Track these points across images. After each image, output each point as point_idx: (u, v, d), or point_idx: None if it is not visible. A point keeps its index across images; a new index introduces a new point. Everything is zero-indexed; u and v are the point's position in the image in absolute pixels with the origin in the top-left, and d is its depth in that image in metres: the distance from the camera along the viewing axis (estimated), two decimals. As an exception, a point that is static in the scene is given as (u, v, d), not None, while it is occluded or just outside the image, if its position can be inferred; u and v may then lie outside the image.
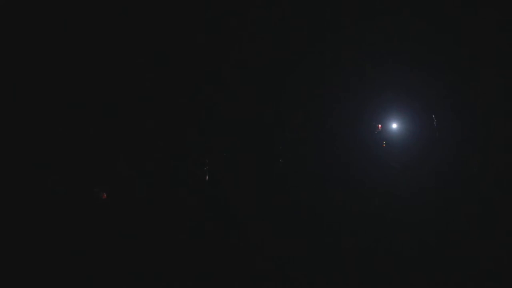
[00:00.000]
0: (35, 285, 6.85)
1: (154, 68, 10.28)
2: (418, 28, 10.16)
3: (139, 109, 10.16)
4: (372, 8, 10.28)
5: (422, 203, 9.19)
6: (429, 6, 10.11)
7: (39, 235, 8.00)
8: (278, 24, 10.30)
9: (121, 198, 9.32)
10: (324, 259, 7.38)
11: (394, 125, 10.11)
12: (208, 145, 10.12)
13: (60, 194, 9.13)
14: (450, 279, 6.81)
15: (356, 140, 10.08)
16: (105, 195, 9.35)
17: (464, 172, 9.44)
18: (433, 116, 9.63)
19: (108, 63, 10.16)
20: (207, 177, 9.88)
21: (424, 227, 8.37)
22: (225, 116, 10.35)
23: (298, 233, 8.27)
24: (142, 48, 10.24)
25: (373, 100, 10.31)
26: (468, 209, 8.76)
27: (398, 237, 8.04)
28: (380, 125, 10.03)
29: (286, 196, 9.53)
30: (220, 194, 9.63)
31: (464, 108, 9.96)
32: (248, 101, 10.39)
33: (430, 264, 7.17)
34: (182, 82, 10.35)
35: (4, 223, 8.28)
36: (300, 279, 6.91)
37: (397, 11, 10.26)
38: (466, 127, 9.80)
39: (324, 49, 10.39)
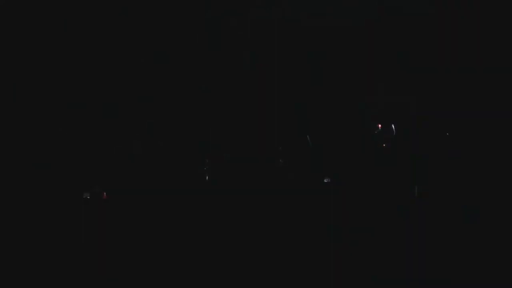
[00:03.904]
0: (34, 285, 6.85)
1: (154, 68, 10.29)
2: (419, 28, 10.16)
3: (139, 109, 10.16)
4: (373, 8, 10.29)
5: (422, 202, 9.20)
6: (429, 6, 10.12)
7: (38, 235, 8.00)
8: (278, 24, 10.30)
9: (121, 198, 9.32)
10: (324, 258, 7.38)
11: (394, 125, 10.11)
12: (208, 145, 10.12)
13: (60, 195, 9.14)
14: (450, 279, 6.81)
15: (356, 139, 10.08)
16: (105, 195, 9.35)
17: (464, 171, 9.45)
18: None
19: (108, 63, 10.16)
20: (207, 177, 9.88)
21: (424, 226, 8.37)
22: (225, 116, 10.35)
23: (298, 233, 8.27)
24: (142, 48, 10.25)
25: (373, 100, 10.31)
26: (469, 209, 8.77)
27: (399, 236, 8.05)
28: (380, 125, 10.02)
29: (286, 196, 9.52)
30: (220, 194, 9.63)
31: (465, 108, 9.97)
32: (247, 101, 10.39)
33: (430, 264, 7.17)
34: (182, 82, 10.35)
35: (3, 223, 8.28)
36: (301, 278, 6.91)
37: (397, 12, 10.26)
38: (466, 127, 9.81)
39: (323, 48, 10.40)
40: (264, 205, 9.23)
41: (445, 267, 7.04)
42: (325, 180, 9.62)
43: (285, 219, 8.73)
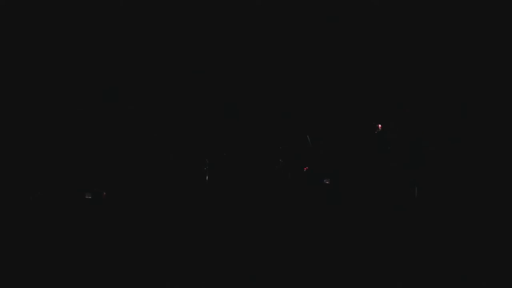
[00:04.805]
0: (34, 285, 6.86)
1: (154, 68, 10.29)
2: (419, 27, 10.16)
3: (139, 109, 10.16)
4: (372, 7, 10.29)
5: (422, 202, 9.20)
6: (430, 6, 10.12)
7: (38, 236, 8.01)
8: (279, 22, 10.29)
9: (121, 198, 9.33)
10: (324, 259, 7.38)
11: (394, 125, 10.12)
12: (208, 145, 10.12)
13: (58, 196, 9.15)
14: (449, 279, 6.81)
15: (355, 140, 10.09)
16: (104, 194, 9.36)
17: (464, 171, 9.45)
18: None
19: (108, 63, 10.16)
20: (207, 177, 9.88)
21: (423, 226, 8.39)
22: (225, 116, 10.35)
23: (298, 233, 8.27)
24: (142, 48, 10.25)
25: (373, 100, 10.31)
26: (469, 209, 8.78)
27: (398, 237, 8.06)
28: (380, 125, 10.03)
29: (286, 196, 9.53)
30: (220, 194, 9.64)
31: (465, 108, 9.97)
32: (248, 100, 10.39)
33: (428, 264, 7.18)
34: (182, 82, 10.35)
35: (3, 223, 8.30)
36: (301, 279, 6.91)
37: (397, 11, 10.26)
38: (466, 127, 9.82)
39: (324, 47, 10.39)
40: (263, 205, 9.24)
41: (445, 267, 7.05)
42: (325, 181, 9.63)
43: (285, 219, 8.74)
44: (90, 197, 9.12)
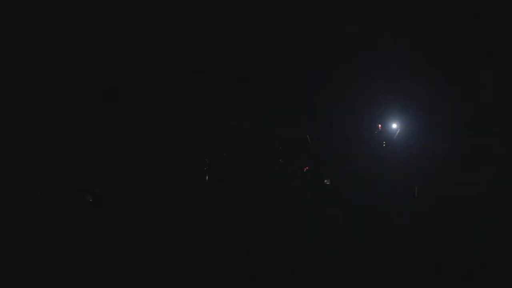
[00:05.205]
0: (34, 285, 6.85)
1: (154, 68, 10.30)
2: (419, 32, 10.19)
3: (141, 110, 10.18)
4: (374, 11, 10.31)
5: (420, 201, 9.22)
6: (430, 10, 10.14)
7: (38, 236, 8.01)
8: (282, 25, 10.32)
9: (121, 198, 9.33)
10: (324, 259, 7.39)
11: (394, 125, 10.13)
12: (208, 146, 10.13)
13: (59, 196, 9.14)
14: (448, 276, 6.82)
15: (356, 139, 10.10)
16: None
17: (463, 171, 9.46)
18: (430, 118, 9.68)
19: (108, 63, 10.17)
20: (207, 177, 9.89)
21: (421, 224, 8.40)
22: (225, 116, 10.37)
23: (298, 231, 8.28)
24: (142, 48, 10.26)
25: (373, 100, 10.33)
26: (469, 209, 8.79)
27: (397, 233, 8.07)
28: (380, 125, 10.04)
29: (286, 195, 9.54)
30: (220, 194, 9.64)
31: (462, 109, 9.99)
32: (248, 101, 10.40)
33: (428, 264, 7.19)
34: (184, 83, 10.36)
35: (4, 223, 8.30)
36: (300, 278, 6.91)
37: (399, 15, 10.28)
38: (464, 127, 9.83)
39: (325, 50, 10.41)
40: (263, 205, 9.25)
41: (445, 267, 7.05)
42: (325, 181, 9.65)
43: (285, 219, 8.76)
44: (90, 198, 9.12)
